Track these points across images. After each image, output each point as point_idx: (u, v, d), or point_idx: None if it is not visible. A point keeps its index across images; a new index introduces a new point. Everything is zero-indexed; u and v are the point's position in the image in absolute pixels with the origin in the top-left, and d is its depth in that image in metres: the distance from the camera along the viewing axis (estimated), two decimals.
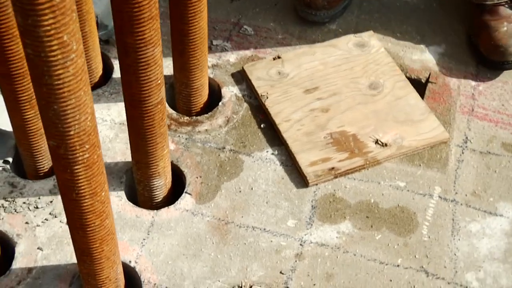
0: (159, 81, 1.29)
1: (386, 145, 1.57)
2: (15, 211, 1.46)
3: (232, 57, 1.76)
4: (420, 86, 1.74)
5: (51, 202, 1.48)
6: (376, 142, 1.57)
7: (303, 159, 1.53)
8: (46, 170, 1.55)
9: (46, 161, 1.54)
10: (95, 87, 1.70)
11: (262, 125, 1.63)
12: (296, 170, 1.55)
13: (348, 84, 1.68)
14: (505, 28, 1.71)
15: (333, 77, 1.70)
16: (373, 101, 1.66)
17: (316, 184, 1.52)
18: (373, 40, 1.78)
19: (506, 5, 1.73)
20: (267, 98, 1.64)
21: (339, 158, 1.54)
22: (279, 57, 1.72)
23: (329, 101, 1.65)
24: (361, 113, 1.63)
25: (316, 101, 1.65)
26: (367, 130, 1.59)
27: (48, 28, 0.85)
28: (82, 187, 1.09)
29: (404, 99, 1.66)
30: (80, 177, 1.07)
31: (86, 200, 1.12)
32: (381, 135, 1.59)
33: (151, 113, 1.33)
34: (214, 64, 1.73)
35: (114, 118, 1.63)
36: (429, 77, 1.74)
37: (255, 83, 1.67)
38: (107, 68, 1.74)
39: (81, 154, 1.04)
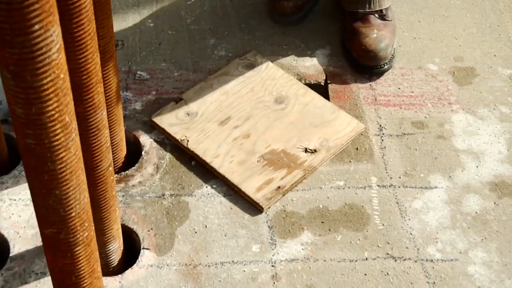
0: (108, 144, 1.26)
1: (315, 151, 1.63)
2: None
3: (137, 105, 1.74)
4: (321, 88, 1.81)
5: None
6: (306, 150, 1.63)
7: (248, 188, 1.55)
8: None
9: None
10: (4, 170, 1.62)
11: (192, 163, 1.63)
12: (241, 198, 1.56)
13: (256, 105, 1.72)
14: (375, 35, 1.82)
15: (239, 103, 1.73)
16: (285, 114, 1.71)
17: (269, 207, 1.54)
18: (258, 58, 1.83)
19: (376, 15, 1.86)
20: (188, 141, 1.64)
21: (280, 176, 1.58)
22: (181, 99, 1.73)
23: (247, 127, 1.67)
24: (280, 128, 1.67)
25: (234, 130, 1.67)
26: (292, 143, 1.64)
27: (53, 112, 0.82)
28: (82, 268, 1.06)
29: (311, 104, 1.73)
30: (80, 258, 1.04)
31: (86, 280, 1.08)
32: (307, 143, 1.64)
33: (103, 177, 1.29)
34: (123, 116, 1.70)
35: None
36: (326, 78, 1.82)
37: (170, 130, 1.66)
38: (13, 149, 1.65)
39: (81, 234, 1.00)
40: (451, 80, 1.83)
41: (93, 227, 1.03)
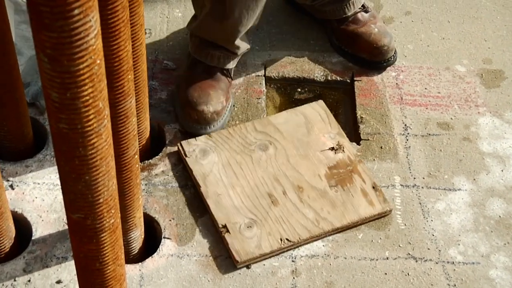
0: (135, 132, 1.27)
1: (339, 145, 1.62)
2: None
3: (163, 94, 1.74)
4: (347, 86, 1.81)
5: (29, 281, 1.40)
6: (335, 151, 1.61)
7: (366, 211, 1.52)
8: (7, 250, 1.46)
9: (7, 241, 1.45)
10: (29, 154, 1.62)
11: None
12: None
13: (261, 167, 1.58)
14: (376, 29, 1.81)
15: (253, 180, 1.56)
16: (284, 151, 1.61)
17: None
18: (194, 142, 1.62)
19: (362, 12, 1.84)
20: (287, 239, 1.47)
21: (361, 181, 1.57)
22: (223, 227, 1.48)
23: (288, 184, 1.56)
24: (300, 161, 1.59)
25: (289, 195, 1.54)
26: (322, 158, 1.60)
27: (87, 98, 0.82)
28: (107, 254, 1.06)
29: (281, 126, 1.66)
30: (105, 244, 1.04)
31: (109, 267, 1.08)
32: (326, 147, 1.62)
33: (129, 165, 1.29)
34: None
35: None
36: (353, 76, 1.81)
37: (265, 249, 1.46)
38: (38, 132, 1.66)
39: (107, 220, 1.00)
40: (479, 82, 1.82)
41: (119, 215, 1.04)
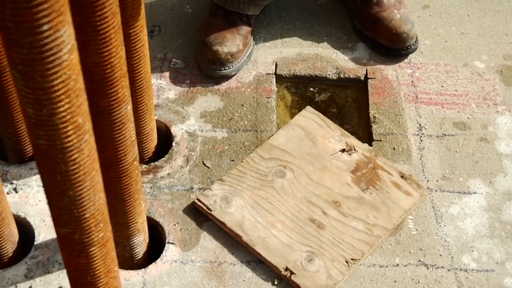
0: (133, 138, 1.23)
1: (349, 146, 1.57)
2: None
3: (170, 93, 1.71)
4: (360, 83, 1.75)
5: (30, 287, 1.38)
6: (347, 152, 1.57)
7: (408, 203, 1.49)
8: (10, 255, 1.44)
9: (9, 246, 1.43)
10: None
11: (222, 157, 1.59)
12: None
13: (288, 193, 1.51)
14: (398, 15, 1.76)
15: (285, 210, 1.48)
16: (301, 169, 1.54)
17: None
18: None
19: None
20: (353, 262, 1.42)
21: (388, 174, 1.54)
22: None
23: (322, 201, 1.49)
24: (320, 174, 1.53)
25: (330, 213, 1.48)
26: (339, 164, 1.55)
27: (64, 114, 0.79)
28: (98, 268, 1.03)
29: (287, 144, 1.59)
30: (95, 258, 1.01)
31: (102, 280, 1.06)
32: (339, 153, 1.58)
33: (128, 171, 1.26)
34: (155, 104, 1.67)
35: None
36: (366, 73, 1.76)
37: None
38: None
39: (96, 234, 0.97)
40: (498, 79, 1.75)
41: (110, 228, 1.00)
